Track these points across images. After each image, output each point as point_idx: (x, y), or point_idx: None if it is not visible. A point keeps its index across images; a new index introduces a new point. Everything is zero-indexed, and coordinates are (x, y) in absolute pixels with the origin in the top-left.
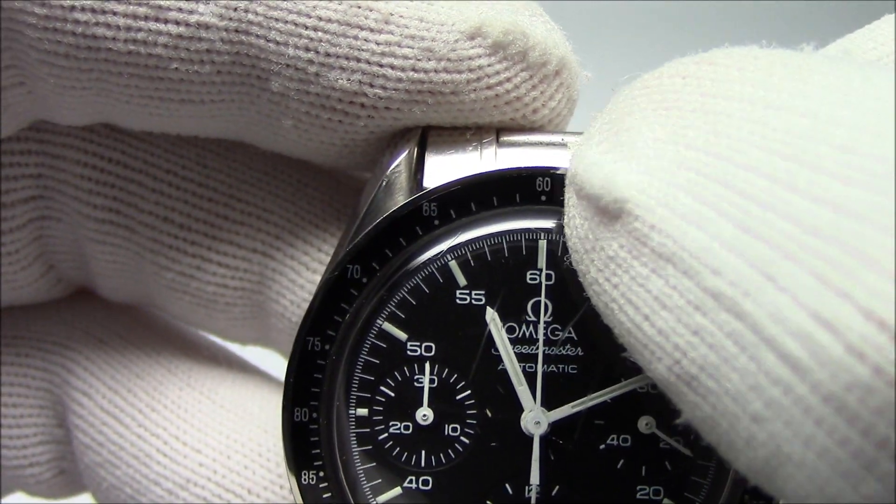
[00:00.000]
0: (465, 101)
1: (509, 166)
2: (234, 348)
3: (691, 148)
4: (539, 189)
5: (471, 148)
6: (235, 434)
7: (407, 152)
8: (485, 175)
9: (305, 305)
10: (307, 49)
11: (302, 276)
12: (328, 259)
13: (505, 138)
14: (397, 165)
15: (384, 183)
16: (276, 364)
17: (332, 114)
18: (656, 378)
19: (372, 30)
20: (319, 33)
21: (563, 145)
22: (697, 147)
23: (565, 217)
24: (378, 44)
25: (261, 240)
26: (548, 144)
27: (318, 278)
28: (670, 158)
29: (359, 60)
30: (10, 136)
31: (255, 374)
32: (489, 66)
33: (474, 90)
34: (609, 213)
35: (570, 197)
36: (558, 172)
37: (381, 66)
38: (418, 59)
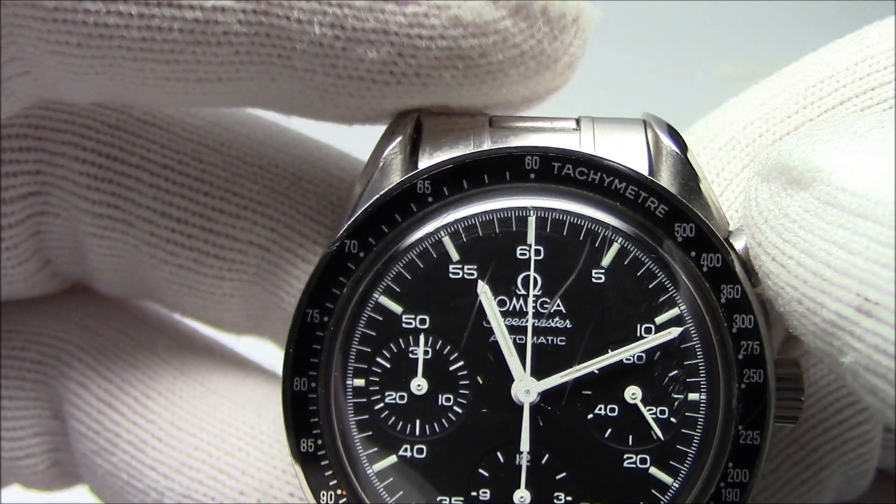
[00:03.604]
0: (492, 63)
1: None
2: (228, 339)
3: (889, 143)
4: (528, 167)
5: (464, 133)
6: (229, 418)
7: (401, 138)
8: (476, 154)
9: None
10: (332, 26)
11: (298, 268)
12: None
13: (497, 123)
14: (393, 148)
15: (381, 164)
16: (269, 356)
17: (361, 83)
18: (827, 320)
19: (398, 2)
20: (345, 9)
21: (552, 130)
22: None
23: (746, 199)
24: (405, 16)
25: (257, 233)
26: (539, 129)
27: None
28: (866, 144)
29: (387, 33)
30: (8, 134)
31: (247, 364)
32: (514, 26)
33: (501, 51)
34: (800, 182)
35: (752, 184)
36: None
37: (410, 37)
38: (446, 28)
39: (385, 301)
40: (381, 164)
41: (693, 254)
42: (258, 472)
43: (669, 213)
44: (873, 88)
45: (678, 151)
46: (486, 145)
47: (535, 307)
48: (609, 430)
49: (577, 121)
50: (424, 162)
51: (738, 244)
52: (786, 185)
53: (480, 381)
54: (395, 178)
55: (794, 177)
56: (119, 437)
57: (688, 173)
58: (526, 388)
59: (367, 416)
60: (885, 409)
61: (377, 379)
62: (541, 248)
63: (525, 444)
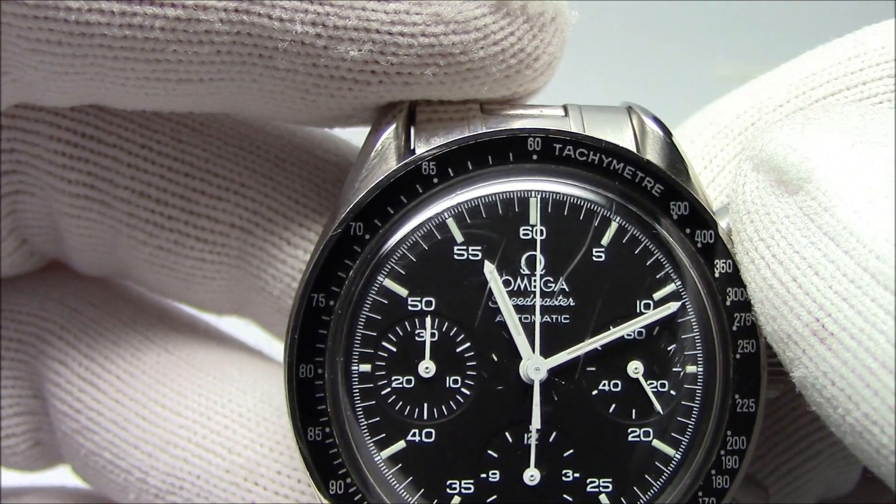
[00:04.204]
0: (473, 60)
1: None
2: (211, 317)
3: (880, 162)
4: (531, 149)
5: (458, 120)
6: (215, 396)
7: (396, 125)
8: (481, 135)
9: (287, 280)
10: (314, 24)
11: (283, 251)
12: (309, 234)
13: (488, 110)
14: (388, 135)
15: (379, 148)
16: (252, 334)
17: (342, 83)
18: (784, 331)
19: None
20: (326, 7)
21: (542, 116)
22: (886, 162)
23: (734, 182)
24: (387, 13)
25: (238, 215)
26: (530, 116)
27: (299, 253)
28: (857, 161)
29: (368, 31)
30: None
31: (232, 341)
32: (494, 23)
33: (482, 48)
34: (789, 186)
35: (743, 168)
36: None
37: (392, 34)
38: (427, 25)
39: (390, 284)
40: (380, 147)
41: (688, 231)
42: (245, 451)
43: (665, 192)
44: (864, 83)
45: (664, 136)
46: (481, 131)
47: (540, 286)
48: (613, 405)
49: (565, 108)
50: (420, 148)
51: (723, 222)
52: (774, 183)
53: (488, 361)
54: (392, 164)
55: (784, 179)
56: (101, 415)
57: (674, 156)
58: (536, 366)
59: (374, 402)
60: (829, 425)
61: (383, 363)
62: (544, 229)
63: (536, 422)
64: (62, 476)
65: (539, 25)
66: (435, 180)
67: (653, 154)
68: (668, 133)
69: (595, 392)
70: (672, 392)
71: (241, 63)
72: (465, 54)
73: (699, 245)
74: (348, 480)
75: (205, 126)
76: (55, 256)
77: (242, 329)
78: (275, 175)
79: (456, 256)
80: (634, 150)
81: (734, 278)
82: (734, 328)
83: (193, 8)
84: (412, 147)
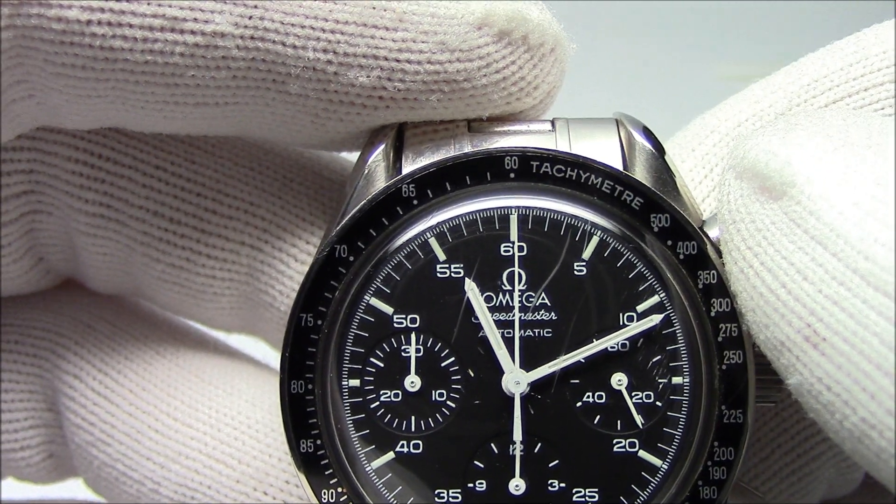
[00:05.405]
0: (476, 87)
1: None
2: (219, 334)
3: (864, 165)
4: (508, 167)
5: (445, 138)
6: (224, 408)
7: (384, 146)
8: (458, 157)
9: (294, 296)
10: (326, 51)
11: (291, 268)
12: (315, 251)
13: (476, 128)
14: (377, 156)
15: (366, 172)
16: (259, 349)
17: (351, 108)
18: (777, 338)
19: (388, 28)
20: (337, 35)
21: (529, 132)
22: (870, 164)
23: (719, 192)
24: (395, 41)
25: (248, 233)
26: (516, 132)
27: (306, 269)
28: (841, 164)
29: (377, 58)
30: None
31: (240, 355)
32: (496, 52)
33: (485, 76)
34: (772, 192)
35: (727, 177)
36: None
37: (399, 61)
38: (433, 53)
39: (376, 303)
40: (366, 171)
41: (669, 242)
42: (254, 461)
43: (645, 205)
44: (866, 89)
45: (651, 148)
46: (467, 150)
47: (520, 301)
48: (598, 417)
49: (552, 122)
50: (407, 168)
51: (713, 232)
52: (757, 190)
53: (472, 375)
54: (380, 184)
55: (767, 185)
56: (114, 428)
57: (661, 167)
58: (516, 380)
59: (363, 415)
60: (827, 431)
61: (371, 378)
62: (524, 245)
63: (518, 434)
64: (72, 490)
65: (539, 55)
66: (415, 202)
67: (639, 166)
68: (656, 144)
69: (579, 404)
70: (657, 403)
71: (256, 88)
72: (469, 81)
73: (681, 257)
74: (339, 490)
75: (217, 148)
76: (70, 275)
77: (251, 345)
78: (283, 195)
79: (439, 274)
80: (621, 162)
81: (718, 288)
82: (719, 339)
83: (212, 35)
84: (400, 168)
